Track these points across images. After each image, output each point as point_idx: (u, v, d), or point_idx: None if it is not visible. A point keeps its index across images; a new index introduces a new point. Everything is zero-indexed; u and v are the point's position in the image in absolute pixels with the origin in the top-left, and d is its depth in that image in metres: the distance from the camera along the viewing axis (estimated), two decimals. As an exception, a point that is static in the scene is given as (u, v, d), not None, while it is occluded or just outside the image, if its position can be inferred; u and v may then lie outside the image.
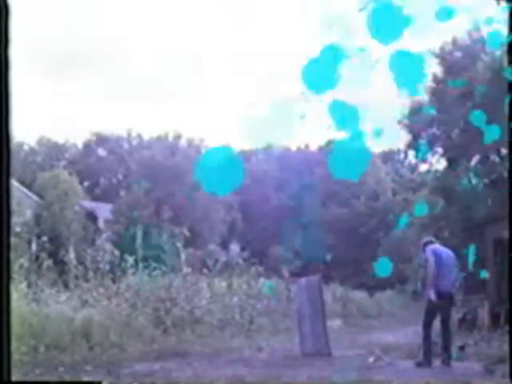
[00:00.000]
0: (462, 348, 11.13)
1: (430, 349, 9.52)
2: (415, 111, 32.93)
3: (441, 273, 9.37)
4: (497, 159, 30.21)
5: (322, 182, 53.24)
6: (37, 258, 14.57)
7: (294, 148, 59.77)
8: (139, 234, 16.79)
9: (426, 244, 9.79)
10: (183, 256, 16.16)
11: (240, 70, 67.53)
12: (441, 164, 34.43)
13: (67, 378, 8.44)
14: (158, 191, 38.75)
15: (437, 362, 9.72)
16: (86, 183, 49.22)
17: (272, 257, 41.88)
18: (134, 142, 56.40)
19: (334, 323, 16.99)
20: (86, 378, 8.44)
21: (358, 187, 52.23)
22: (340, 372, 9.07)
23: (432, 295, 9.32)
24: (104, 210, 34.15)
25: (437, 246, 9.81)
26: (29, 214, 22.79)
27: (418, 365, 9.35)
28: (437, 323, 9.98)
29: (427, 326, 9.62)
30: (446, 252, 9.75)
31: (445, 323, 9.62)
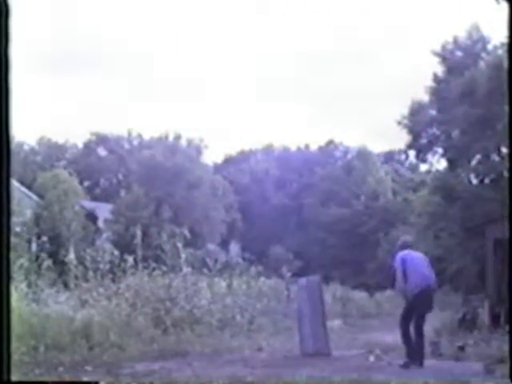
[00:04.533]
0: (461, 348, 11.12)
1: (413, 347, 9.44)
2: (415, 111, 32.97)
3: (408, 275, 9.41)
4: (497, 159, 30.24)
5: (322, 181, 53.31)
6: (37, 258, 14.54)
7: (293, 148, 59.91)
8: (139, 234, 16.76)
9: (401, 247, 9.83)
10: (183, 256, 16.13)
11: (240, 71, 67.53)
12: (441, 164, 34.51)
13: (67, 378, 8.44)
14: (158, 191, 38.76)
15: (434, 362, 9.73)
16: (86, 183, 49.24)
17: (272, 257, 41.90)
18: (135, 142, 56.40)
19: (334, 323, 16.97)
20: (85, 378, 8.43)
21: (358, 187, 52.22)
22: (340, 372, 9.07)
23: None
24: (104, 210, 34.13)
25: (405, 252, 9.70)
26: (29, 213, 22.80)
27: (405, 366, 9.26)
28: (435, 323, 9.96)
29: (403, 323, 9.55)
30: (411, 255, 9.70)
31: (419, 326, 9.49)
